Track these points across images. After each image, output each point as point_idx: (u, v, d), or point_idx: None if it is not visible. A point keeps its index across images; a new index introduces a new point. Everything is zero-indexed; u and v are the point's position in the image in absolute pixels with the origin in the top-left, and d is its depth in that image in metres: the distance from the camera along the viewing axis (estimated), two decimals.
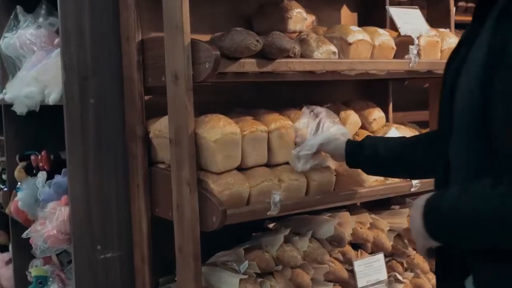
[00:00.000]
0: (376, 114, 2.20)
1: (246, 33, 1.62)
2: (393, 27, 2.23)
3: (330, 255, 1.93)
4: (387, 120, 2.36)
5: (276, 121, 1.81)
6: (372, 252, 2.04)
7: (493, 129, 1.08)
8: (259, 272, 1.78)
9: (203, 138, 1.66)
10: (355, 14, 2.50)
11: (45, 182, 2.14)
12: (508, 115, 1.04)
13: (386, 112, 2.38)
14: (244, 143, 1.73)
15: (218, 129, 1.67)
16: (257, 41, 1.61)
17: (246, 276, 1.74)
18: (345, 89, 2.42)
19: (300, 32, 2.01)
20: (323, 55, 1.83)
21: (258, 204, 1.71)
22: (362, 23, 2.42)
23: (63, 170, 2.05)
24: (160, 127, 1.80)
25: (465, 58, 1.18)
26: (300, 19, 2.01)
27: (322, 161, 1.82)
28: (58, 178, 2.07)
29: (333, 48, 1.86)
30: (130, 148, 1.93)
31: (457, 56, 1.26)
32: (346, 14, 2.47)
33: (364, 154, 1.69)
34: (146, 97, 1.89)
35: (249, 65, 1.66)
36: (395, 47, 2.03)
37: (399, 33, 2.08)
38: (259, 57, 1.68)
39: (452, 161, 1.21)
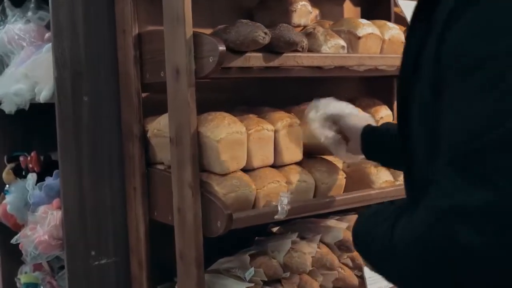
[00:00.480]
0: (383, 112, 2.10)
1: (253, 25, 1.52)
2: (398, 23, 2.15)
3: (339, 261, 1.83)
4: (393, 118, 2.27)
5: (283, 120, 1.71)
6: None
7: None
8: (266, 279, 1.68)
9: (206, 137, 1.56)
10: (358, 9, 2.41)
11: (36, 185, 2.03)
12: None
13: (390, 110, 2.28)
14: (250, 142, 1.63)
15: (223, 127, 1.57)
16: (265, 33, 1.51)
17: (253, 284, 1.64)
18: (348, 86, 2.33)
19: (305, 26, 1.92)
20: (332, 49, 1.74)
21: (265, 207, 1.61)
22: (365, 18, 2.33)
23: (54, 171, 1.94)
24: (159, 126, 1.69)
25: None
26: (304, 12, 1.92)
27: (337, 136, 1.66)
28: (49, 180, 1.96)
29: (342, 42, 1.76)
30: (126, 148, 1.83)
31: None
32: (349, 9, 2.38)
33: (378, 139, 1.54)
34: (144, 94, 1.79)
35: (255, 59, 1.57)
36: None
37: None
38: (265, 51, 1.58)
39: None
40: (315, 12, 2.10)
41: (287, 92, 2.09)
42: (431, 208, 0.77)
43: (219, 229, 1.52)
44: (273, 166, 1.71)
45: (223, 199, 1.54)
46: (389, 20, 2.27)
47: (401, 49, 1.92)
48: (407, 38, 0.95)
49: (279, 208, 1.59)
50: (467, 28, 0.78)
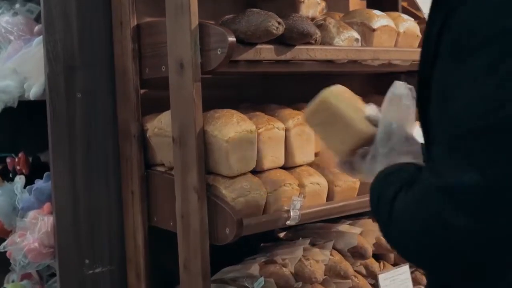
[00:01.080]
0: None
1: (265, 14, 1.40)
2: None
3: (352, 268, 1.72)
4: None
5: (294, 118, 1.60)
6: (395, 263, 1.84)
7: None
8: None
9: (213, 136, 1.44)
10: (364, 2, 2.30)
11: (24, 188, 1.91)
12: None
13: None
14: (260, 142, 1.51)
15: (232, 126, 1.45)
16: (279, 23, 1.40)
17: None
18: (354, 83, 2.21)
19: (313, 18, 1.81)
20: (345, 42, 1.63)
21: (276, 212, 1.49)
22: None
23: (45, 174, 1.82)
24: (160, 125, 1.58)
25: None
26: (313, 3, 1.82)
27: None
28: (39, 183, 1.84)
29: (355, 34, 1.66)
30: (123, 148, 1.71)
31: None
32: (355, 2, 2.28)
33: None
34: (142, 91, 1.68)
35: (266, 51, 1.45)
36: (420, 35, 1.83)
37: (419, 20, 1.90)
38: (276, 43, 1.47)
39: None
40: (322, 4, 1.98)
41: (292, 88, 1.98)
42: (422, 186, 0.80)
43: (227, 236, 1.41)
44: (283, 167, 1.60)
45: (232, 203, 1.42)
46: None
47: (416, 42, 1.83)
48: (426, 30, 0.92)
49: (291, 213, 1.48)
50: (473, 8, 0.78)
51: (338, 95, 1.29)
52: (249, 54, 1.42)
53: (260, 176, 1.52)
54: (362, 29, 1.71)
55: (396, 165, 1.00)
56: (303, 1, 1.78)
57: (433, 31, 0.86)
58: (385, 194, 0.89)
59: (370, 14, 1.73)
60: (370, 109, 1.23)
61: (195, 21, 1.40)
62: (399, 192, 0.86)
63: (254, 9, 1.43)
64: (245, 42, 1.41)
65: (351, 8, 2.24)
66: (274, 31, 1.39)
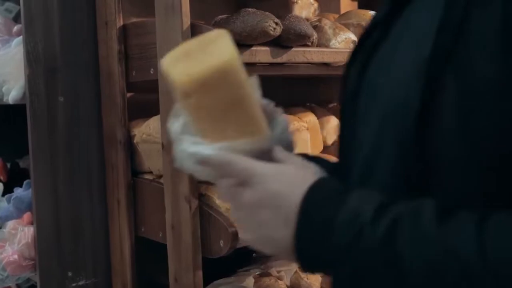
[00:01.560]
0: None
1: (261, 14, 1.33)
2: None
3: None
4: None
5: (290, 122, 1.53)
6: None
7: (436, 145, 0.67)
8: None
9: None
10: (355, 3, 2.25)
11: (3, 196, 1.86)
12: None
13: None
14: None
15: None
16: (276, 24, 1.33)
17: None
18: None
19: (307, 19, 1.74)
20: (342, 44, 1.56)
21: None
22: None
23: (25, 182, 1.75)
24: (148, 130, 1.50)
25: (376, 49, 0.79)
26: (306, 4, 1.76)
27: None
28: (18, 191, 1.77)
29: (352, 36, 1.60)
30: (109, 155, 1.64)
31: (362, 48, 0.83)
32: (346, 3, 2.22)
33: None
34: (129, 94, 1.61)
35: (262, 54, 1.38)
36: None
37: None
38: (272, 45, 1.40)
39: None
40: (315, 5, 1.93)
41: (287, 91, 1.91)
42: None
43: (222, 249, 1.34)
44: None
45: (226, 214, 1.35)
46: None
47: None
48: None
49: None
50: None
51: (238, 63, 0.78)
52: (244, 57, 1.34)
53: None
54: (358, 31, 1.65)
55: (405, 214, 0.66)
56: (296, 2, 1.72)
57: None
58: (452, 246, 0.62)
59: (366, 15, 1.68)
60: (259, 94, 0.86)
61: (186, 21, 1.33)
62: (484, 234, 0.61)
63: (249, 9, 1.36)
64: (240, 43, 1.33)
65: (343, 9, 2.19)
66: (271, 32, 1.32)
